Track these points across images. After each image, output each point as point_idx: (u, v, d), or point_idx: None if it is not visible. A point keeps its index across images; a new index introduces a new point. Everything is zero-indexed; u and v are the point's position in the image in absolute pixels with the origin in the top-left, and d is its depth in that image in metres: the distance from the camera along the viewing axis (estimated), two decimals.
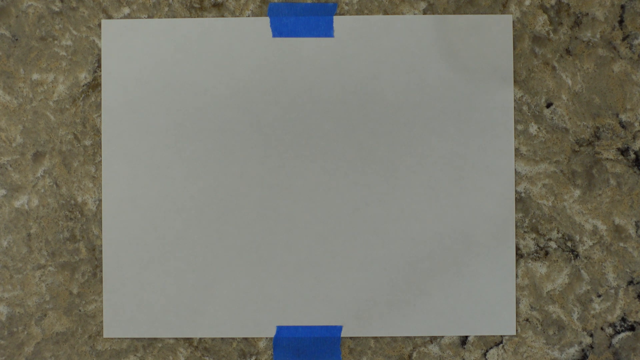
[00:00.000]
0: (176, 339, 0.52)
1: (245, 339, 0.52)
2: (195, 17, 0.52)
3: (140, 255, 0.52)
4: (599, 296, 0.52)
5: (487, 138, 0.52)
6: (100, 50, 0.52)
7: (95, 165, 0.52)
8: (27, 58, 0.52)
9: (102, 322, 0.52)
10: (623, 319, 0.52)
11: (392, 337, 0.52)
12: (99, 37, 0.52)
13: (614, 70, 0.52)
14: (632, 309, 0.52)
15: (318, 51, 0.52)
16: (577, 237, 0.52)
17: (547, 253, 0.52)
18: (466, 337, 0.52)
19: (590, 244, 0.52)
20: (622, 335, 0.52)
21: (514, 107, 0.52)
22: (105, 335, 0.52)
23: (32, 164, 0.52)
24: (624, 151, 0.52)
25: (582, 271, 0.52)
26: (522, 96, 0.52)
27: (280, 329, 0.52)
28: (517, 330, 0.52)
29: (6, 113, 0.52)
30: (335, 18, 0.52)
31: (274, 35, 0.52)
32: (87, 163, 0.52)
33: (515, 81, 0.52)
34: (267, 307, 0.52)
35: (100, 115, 0.52)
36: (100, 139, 0.52)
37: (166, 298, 0.52)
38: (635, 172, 0.52)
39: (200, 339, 0.52)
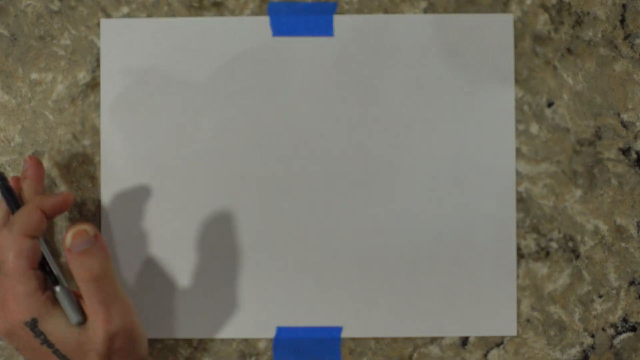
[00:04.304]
0: (176, 339, 0.52)
1: (245, 339, 0.52)
2: (194, 16, 0.52)
3: (140, 256, 0.51)
4: (600, 297, 0.52)
5: (487, 138, 0.52)
6: (99, 49, 0.52)
7: (95, 165, 0.52)
8: (26, 57, 0.52)
9: None
10: (624, 320, 0.52)
11: (392, 338, 0.52)
12: (98, 36, 0.52)
13: (616, 69, 0.52)
14: (633, 309, 0.52)
15: (318, 50, 0.52)
16: (579, 238, 0.52)
17: (548, 253, 0.52)
18: (467, 337, 0.52)
19: (592, 244, 0.52)
20: (624, 335, 0.52)
21: (515, 107, 0.52)
22: None
23: None
24: (625, 151, 0.52)
25: (584, 271, 0.52)
26: (523, 96, 0.52)
27: (280, 329, 0.52)
28: (518, 331, 0.52)
29: (5, 113, 0.52)
30: (335, 17, 0.52)
31: (274, 35, 0.52)
32: (86, 163, 0.52)
33: (516, 81, 0.52)
34: (267, 308, 0.52)
35: (99, 115, 0.52)
36: (99, 139, 0.52)
37: (166, 298, 0.51)
38: (636, 172, 0.52)
39: (200, 339, 0.52)
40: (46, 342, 0.43)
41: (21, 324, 0.43)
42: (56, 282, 0.44)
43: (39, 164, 0.47)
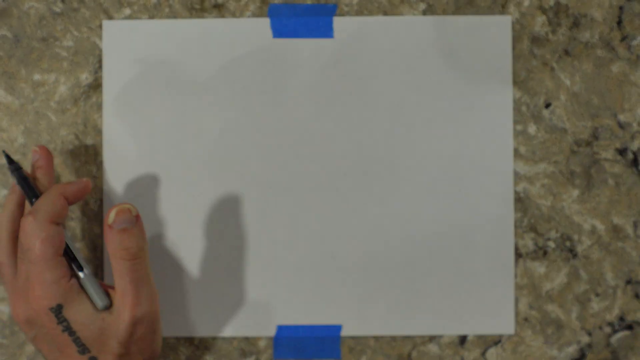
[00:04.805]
0: (177, 338, 0.52)
1: (246, 338, 0.52)
2: (195, 18, 0.52)
3: None
4: (598, 295, 0.52)
5: (486, 138, 0.52)
6: (101, 50, 0.52)
7: (97, 166, 0.52)
8: (29, 59, 0.52)
9: None
10: (621, 318, 0.52)
11: (391, 336, 0.52)
12: (100, 37, 0.52)
13: (613, 70, 0.52)
14: (630, 308, 0.52)
15: (318, 52, 0.52)
16: (576, 237, 0.52)
17: (545, 253, 0.52)
18: (465, 336, 0.52)
19: (589, 243, 0.52)
20: (620, 334, 0.52)
21: (513, 108, 0.52)
22: None
23: None
24: (622, 151, 0.52)
25: (581, 271, 0.52)
26: (521, 96, 0.52)
27: (280, 328, 0.52)
28: (516, 330, 0.52)
29: (8, 113, 0.52)
30: (335, 19, 0.52)
31: (274, 36, 0.52)
32: (89, 163, 0.52)
33: (514, 82, 0.52)
34: (267, 307, 0.52)
35: (101, 116, 0.52)
36: (101, 139, 0.52)
37: (167, 298, 0.52)
38: (633, 172, 0.52)
39: (201, 338, 0.52)
40: (68, 329, 0.43)
41: (46, 309, 0.43)
42: (80, 268, 0.45)
43: (48, 153, 0.48)
